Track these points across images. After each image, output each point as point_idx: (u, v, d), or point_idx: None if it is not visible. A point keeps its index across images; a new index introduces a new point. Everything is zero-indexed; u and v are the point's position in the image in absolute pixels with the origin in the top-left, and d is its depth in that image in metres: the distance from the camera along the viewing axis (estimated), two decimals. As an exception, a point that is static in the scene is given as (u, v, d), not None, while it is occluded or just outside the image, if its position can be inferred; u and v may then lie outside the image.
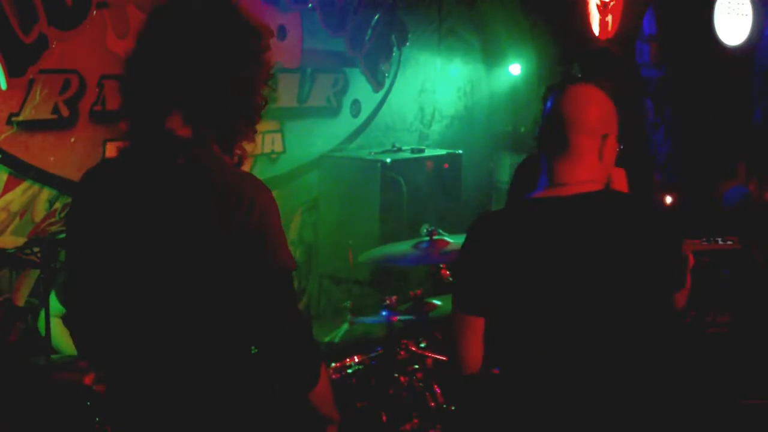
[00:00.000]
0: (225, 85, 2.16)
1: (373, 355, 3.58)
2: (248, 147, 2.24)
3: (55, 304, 3.68)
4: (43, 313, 3.56)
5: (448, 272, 3.84)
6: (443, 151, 5.93)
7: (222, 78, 2.16)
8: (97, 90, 4.35)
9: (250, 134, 2.22)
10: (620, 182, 2.67)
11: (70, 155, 4.28)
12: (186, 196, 2.12)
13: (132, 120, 2.19)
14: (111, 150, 4.33)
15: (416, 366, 3.60)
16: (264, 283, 2.13)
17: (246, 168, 2.25)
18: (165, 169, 2.14)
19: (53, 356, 3.60)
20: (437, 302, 3.90)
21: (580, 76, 5.53)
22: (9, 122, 4.06)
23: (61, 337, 3.76)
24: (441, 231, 3.91)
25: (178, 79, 2.14)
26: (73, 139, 4.31)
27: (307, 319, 2.22)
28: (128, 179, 2.18)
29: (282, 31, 5.32)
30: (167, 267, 2.13)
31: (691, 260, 2.64)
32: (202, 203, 2.10)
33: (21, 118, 4.10)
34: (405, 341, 3.63)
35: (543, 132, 2.41)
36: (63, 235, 3.55)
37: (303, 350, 2.22)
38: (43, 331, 3.56)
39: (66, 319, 2.36)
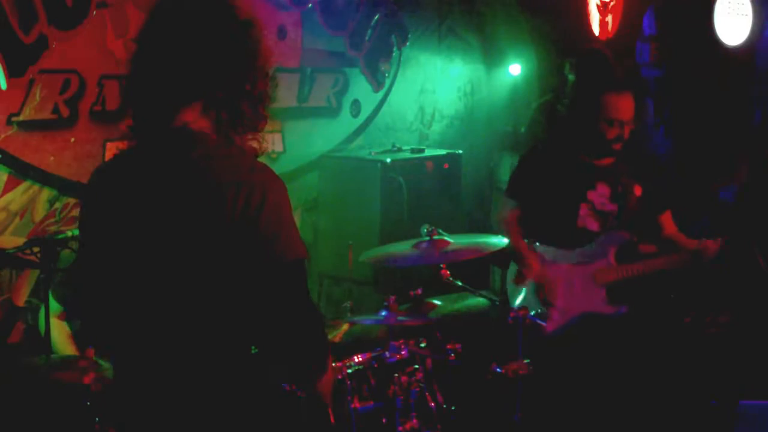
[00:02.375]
0: (237, 75, 2.18)
1: (373, 355, 3.58)
2: (262, 137, 2.26)
3: (53, 303, 3.68)
4: (43, 313, 3.56)
5: (448, 272, 3.84)
6: (443, 151, 5.92)
7: (233, 69, 2.18)
8: (97, 90, 4.35)
9: (262, 121, 2.24)
10: None
11: (70, 155, 4.29)
12: (199, 189, 2.13)
13: (142, 116, 2.20)
14: (111, 150, 4.34)
15: (416, 366, 3.60)
16: (278, 273, 2.15)
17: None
18: (179, 164, 2.15)
19: (53, 356, 3.61)
20: (437, 302, 3.90)
21: (571, 77, 5.48)
22: (9, 122, 4.07)
23: (60, 338, 3.76)
24: (441, 231, 3.90)
25: (190, 69, 2.15)
26: (73, 139, 4.31)
27: (318, 309, 2.25)
28: (142, 175, 2.19)
29: (282, 31, 5.32)
30: (181, 260, 2.14)
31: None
32: (215, 196, 2.11)
33: (21, 118, 4.10)
34: (405, 341, 3.63)
35: None
36: (63, 235, 3.57)
37: (316, 339, 2.25)
38: (43, 331, 3.56)
39: (76, 308, 2.37)
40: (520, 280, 3.97)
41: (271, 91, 2.28)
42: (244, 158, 2.20)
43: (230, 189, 2.11)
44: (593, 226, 3.99)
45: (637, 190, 4.03)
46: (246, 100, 2.20)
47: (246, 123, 2.22)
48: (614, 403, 4.01)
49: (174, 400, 2.20)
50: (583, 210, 3.97)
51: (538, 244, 4.02)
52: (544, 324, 3.79)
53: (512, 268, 4.10)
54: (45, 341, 3.55)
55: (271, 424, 2.30)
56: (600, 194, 3.98)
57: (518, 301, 3.98)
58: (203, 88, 2.17)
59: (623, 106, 3.85)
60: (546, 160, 4.05)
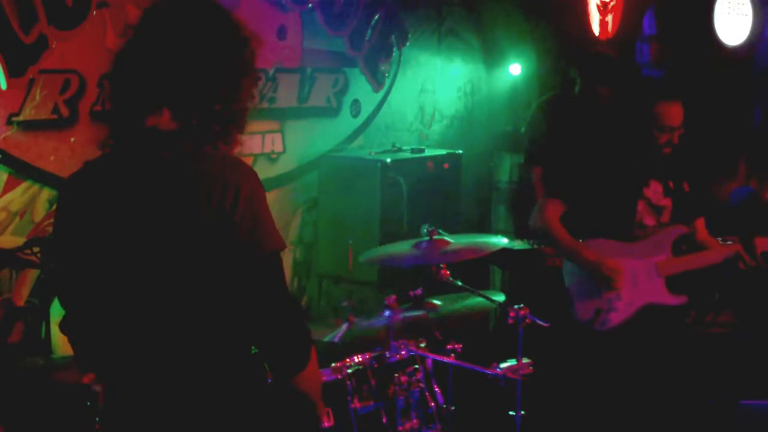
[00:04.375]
0: (210, 81, 2.16)
1: (373, 355, 3.57)
2: (235, 150, 2.24)
3: (57, 307, 3.67)
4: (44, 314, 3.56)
5: (448, 272, 3.84)
6: (443, 151, 5.92)
7: (207, 75, 2.16)
8: (97, 90, 4.34)
9: (232, 141, 2.22)
10: None
11: (70, 155, 4.28)
12: (172, 189, 2.13)
13: (116, 118, 2.20)
14: (111, 150, 4.33)
15: (416, 366, 3.60)
16: (256, 267, 2.15)
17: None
18: (150, 165, 2.15)
19: (53, 356, 3.60)
20: (437, 302, 3.90)
21: (579, 80, 5.51)
22: (9, 122, 4.06)
23: (61, 340, 3.76)
24: (441, 231, 3.90)
25: (162, 77, 2.15)
26: (73, 139, 4.31)
27: (297, 300, 2.25)
28: (114, 177, 2.19)
29: (282, 31, 5.32)
30: (159, 262, 2.13)
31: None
32: (188, 195, 2.11)
33: (21, 118, 4.10)
34: (405, 341, 3.62)
35: None
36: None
37: (295, 331, 2.23)
38: (43, 332, 3.56)
39: (61, 323, 2.36)
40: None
41: (246, 115, 2.24)
42: (216, 154, 2.19)
43: (204, 186, 2.10)
44: (649, 220, 4.15)
45: (686, 187, 4.20)
46: (216, 119, 2.17)
47: (215, 138, 2.19)
48: (619, 401, 4.03)
49: (166, 403, 2.19)
50: (641, 206, 4.12)
51: (580, 240, 4.09)
52: (545, 324, 3.80)
53: (568, 271, 4.17)
54: (45, 341, 3.55)
55: (266, 425, 2.30)
56: (654, 191, 4.14)
57: (582, 294, 4.07)
58: (171, 97, 2.15)
59: (675, 114, 4.03)
60: (594, 161, 4.16)
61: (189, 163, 2.14)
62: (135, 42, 2.21)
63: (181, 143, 2.16)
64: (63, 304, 2.33)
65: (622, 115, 4.22)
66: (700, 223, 4.31)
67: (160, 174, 2.14)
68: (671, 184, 4.17)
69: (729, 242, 4.40)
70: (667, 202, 4.16)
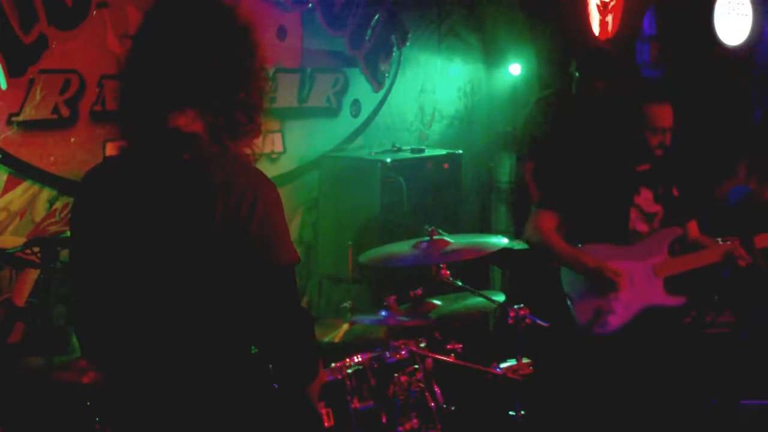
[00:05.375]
0: (231, 69, 2.17)
1: (373, 355, 3.57)
2: (255, 144, 2.25)
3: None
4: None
5: (448, 272, 3.84)
6: (443, 151, 5.92)
7: (227, 64, 2.17)
8: (97, 90, 4.35)
9: (256, 129, 2.24)
10: None
11: (70, 155, 4.29)
12: (190, 192, 2.13)
13: (135, 118, 2.19)
14: (111, 150, 4.33)
15: (416, 366, 3.60)
16: (269, 277, 2.15)
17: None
18: (170, 166, 2.15)
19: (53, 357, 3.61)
20: (437, 302, 3.90)
21: (577, 75, 5.53)
22: (9, 122, 4.06)
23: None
24: (441, 231, 3.91)
25: (185, 77, 2.15)
26: (73, 139, 4.31)
27: (308, 313, 2.26)
28: (133, 177, 2.19)
29: (282, 31, 5.32)
30: (173, 264, 2.14)
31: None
32: (206, 199, 2.11)
33: (21, 118, 4.10)
34: (405, 341, 3.63)
35: None
36: (63, 235, 3.56)
37: (306, 344, 2.24)
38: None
39: (71, 319, 2.37)
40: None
41: (266, 99, 2.26)
42: (236, 161, 2.19)
43: (221, 191, 2.10)
44: (642, 227, 4.15)
45: (675, 192, 4.21)
46: (241, 109, 2.19)
47: (240, 131, 2.20)
48: (618, 401, 4.04)
49: (171, 404, 2.20)
50: (633, 213, 4.13)
51: (579, 245, 4.09)
52: (545, 324, 3.80)
53: (566, 276, 4.16)
54: (45, 341, 3.55)
55: (268, 426, 2.30)
56: (645, 198, 4.15)
57: (579, 300, 4.07)
58: (197, 96, 2.16)
59: (666, 115, 4.08)
60: (586, 170, 4.18)
61: (208, 167, 2.14)
62: (148, 42, 2.20)
63: (202, 145, 2.16)
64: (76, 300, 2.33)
65: (613, 120, 4.24)
66: (693, 225, 4.31)
67: (179, 176, 2.14)
68: (660, 191, 4.18)
69: (728, 242, 4.40)
70: (657, 209, 4.16)
